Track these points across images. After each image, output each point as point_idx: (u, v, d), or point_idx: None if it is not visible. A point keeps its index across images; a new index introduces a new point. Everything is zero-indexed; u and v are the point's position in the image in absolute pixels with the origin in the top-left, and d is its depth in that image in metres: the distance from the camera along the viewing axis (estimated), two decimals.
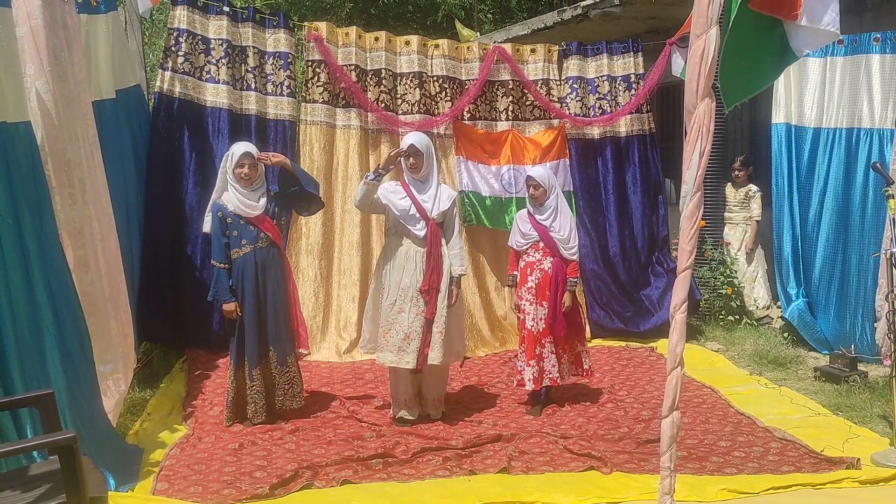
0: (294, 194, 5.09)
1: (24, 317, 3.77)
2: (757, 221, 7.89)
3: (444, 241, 5.06)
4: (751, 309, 7.83)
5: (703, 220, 2.80)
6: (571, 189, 7.52)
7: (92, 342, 4.41)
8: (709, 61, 2.53)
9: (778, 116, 7.02)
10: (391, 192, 5.08)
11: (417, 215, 5.00)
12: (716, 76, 2.68)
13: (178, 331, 6.53)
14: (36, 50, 4.07)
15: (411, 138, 5.09)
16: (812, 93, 6.88)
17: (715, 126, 2.69)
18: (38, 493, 2.83)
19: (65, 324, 4.08)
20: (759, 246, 7.96)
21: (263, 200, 5.04)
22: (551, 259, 5.28)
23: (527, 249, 5.37)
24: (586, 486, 4.17)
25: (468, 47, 7.57)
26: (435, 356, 5.00)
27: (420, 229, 4.99)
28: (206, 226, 5.21)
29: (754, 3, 2.80)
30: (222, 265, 5.00)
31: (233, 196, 4.98)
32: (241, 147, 5.03)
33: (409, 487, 4.18)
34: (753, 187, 7.92)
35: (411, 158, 5.02)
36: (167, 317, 6.46)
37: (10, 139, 3.78)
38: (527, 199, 5.47)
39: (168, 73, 6.55)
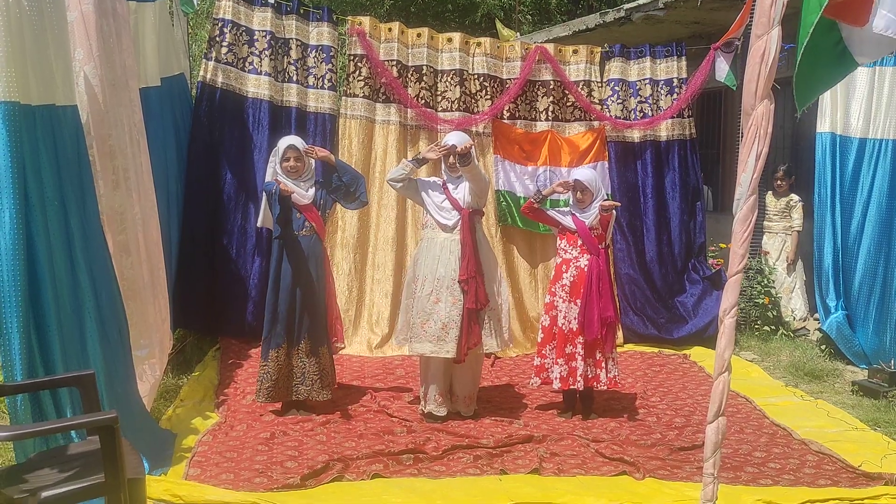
0: (339, 186, 5.12)
1: (67, 299, 3.80)
2: (798, 232, 7.77)
3: (479, 229, 5.11)
4: (787, 320, 7.71)
5: None
6: (609, 192, 7.45)
7: (129, 326, 4.45)
8: (769, 62, 2.47)
9: (823, 125, 6.89)
10: (429, 186, 5.19)
11: (450, 206, 5.07)
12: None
13: (212, 319, 6.57)
14: (86, 35, 4.12)
15: (454, 138, 5.09)
16: (859, 102, 6.75)
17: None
18: (76, 472, 2.84)
19: (104, 307, 4.11)
20: (799, 256, 7.85)
21: (312, 191, 5.10)
22: (588, 257, 5.22)
23: (564, 246, 5.31)
24: (618, 490, 4.13)
25: (510, 46, 7.54)
26: (495, 344, 5.09)
27: (452, 218, 5.05)
28: (260, 220, 5.26)
29: (827, 9, 2.71)
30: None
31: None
32: (285, 141, 5.10)
33: (439, 484, 4.16)
34: (795, 197, 7.81)
35: (451, 158, 5.03)
36: (202, 305, 6.50)
37: (58, 122, 3.82)
38: (564, 201, 5.41)
39: (211, 63, 6.60)
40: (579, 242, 5.23)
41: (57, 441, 3.52)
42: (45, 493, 2.61)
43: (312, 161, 5.15)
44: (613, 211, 5.23)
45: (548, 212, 5.44)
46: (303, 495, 3.94)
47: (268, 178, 5.13)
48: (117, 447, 2.68)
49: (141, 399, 4.51)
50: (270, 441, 4.64)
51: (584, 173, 5.38)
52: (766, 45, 2.49)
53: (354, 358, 6.56)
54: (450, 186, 5.13)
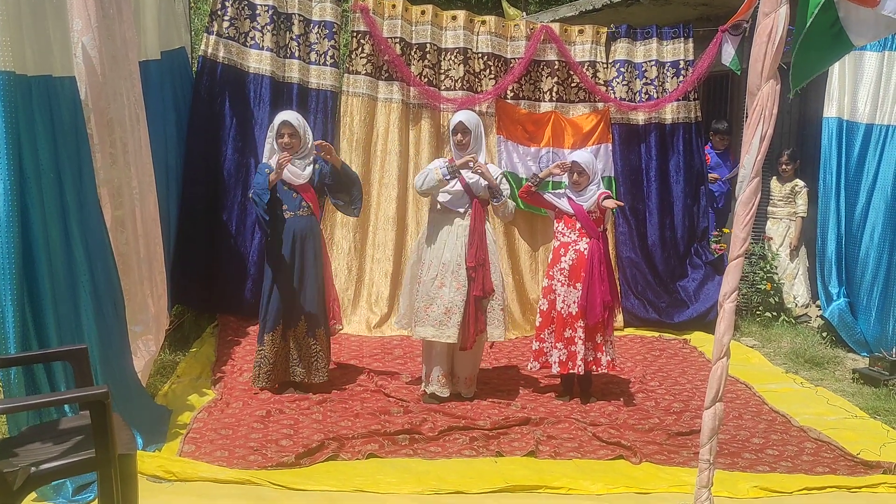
0: (338, 189, 5.12)
1: (62, 272, 3.77)
2: (802, 218, 7.71)
3: (487, 217, 5.06)
4: (789, 306, 7.67)
5: None
6: (612, 174, 7.39)
7: (125, 302, 4.42)
8: (776, 41, 2.41)
9: (830, 110, 6.80)
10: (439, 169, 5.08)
11: (462, 191, 4.99)
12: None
13: (211, 296, 6.54)
14: (84, 5, 4.05)
15: (461, 116, 5.04)
16: (867, 87, 6.66)
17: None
18: (67, 446, 2.82)
19: (99, 281, 4.08)
20: (802, 243, 7.80)
21: (309, 170, 5.03)
22: (587, 240, 5.17)
23: (562, 229, 5.26)
24: (614, 474, 4.12)
25: (515, 25, 7.44)
26: (498, 333, 5.07)
27: (464, 205, 4.99)
28: None
29: None
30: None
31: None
32: (281, 116, 5.01)
33: (434, 465, 4.16)
34: (800, 182, 7.75)
35: (458, 135, 4.98)
36: (200, 281, 6.47)
37: (55, 93, 3.77)
38: (565, 184, 5.37)
39: (213, 38, 6.53)
40: (577, 226, 5.19)
41: (50, 415, 3.50)
42: (35, 468, 2.59)
43: (310, 138, 5.08)
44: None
45: (545, 195, 5.39)
46: (297, 474, 3.92)
47: (265, 155, 5.06)
48: (108, 422, 2.66)
49: (136, 375, 4.48)
50: (266, 419, 4.63)
51: (581, 155, 5.33)
52: (773, 23, 2.43)
53: (353, 337, 6.53)
54: (462, 170, 5.05)
